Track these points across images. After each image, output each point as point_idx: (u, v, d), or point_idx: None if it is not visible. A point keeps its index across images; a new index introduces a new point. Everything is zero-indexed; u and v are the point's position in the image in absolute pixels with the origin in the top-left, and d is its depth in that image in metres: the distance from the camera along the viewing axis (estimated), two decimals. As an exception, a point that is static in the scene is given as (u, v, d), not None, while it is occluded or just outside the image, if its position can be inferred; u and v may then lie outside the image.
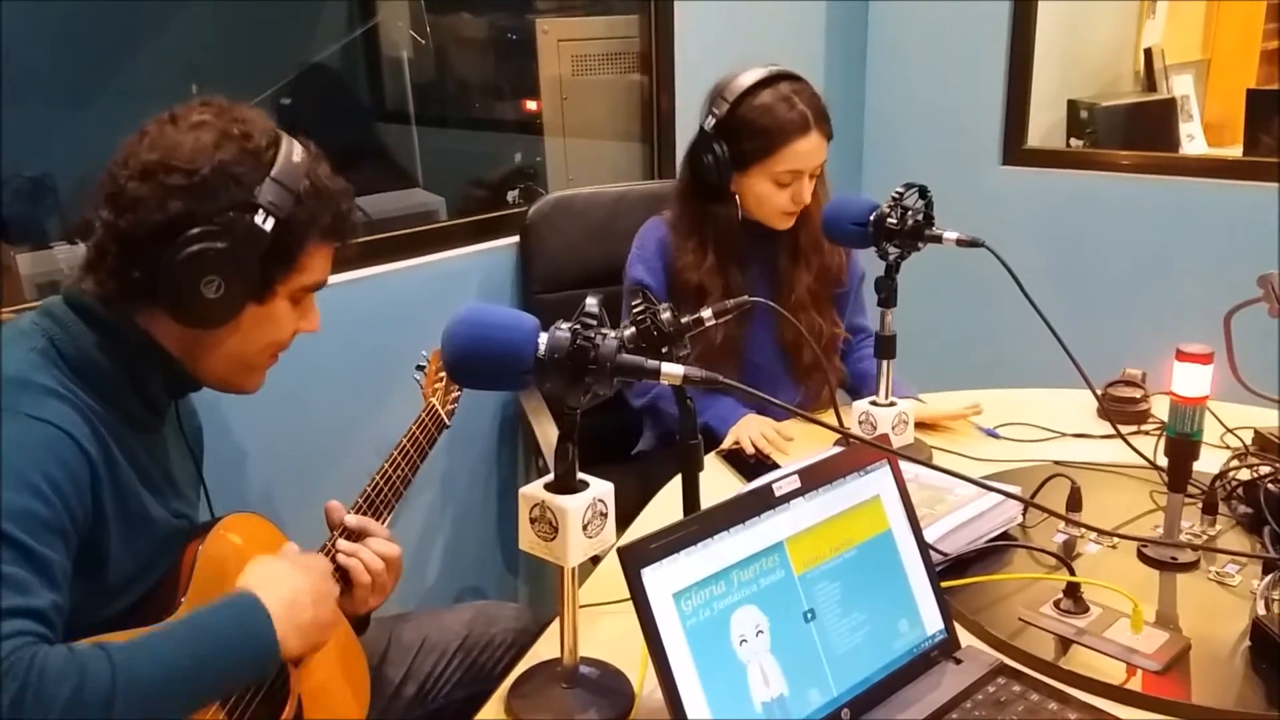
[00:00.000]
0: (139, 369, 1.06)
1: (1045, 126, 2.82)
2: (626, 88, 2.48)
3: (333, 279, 1.81)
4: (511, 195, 2.39)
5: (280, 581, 1.02)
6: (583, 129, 2.54)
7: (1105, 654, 1.04)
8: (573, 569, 0.93)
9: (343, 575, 1.20)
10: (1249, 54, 3.88)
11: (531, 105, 2.47)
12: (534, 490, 0.92)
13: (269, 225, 1.03)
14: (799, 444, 1.61)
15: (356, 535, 1.24)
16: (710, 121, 1.73)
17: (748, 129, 1.69)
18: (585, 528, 0.91)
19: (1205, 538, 1.27)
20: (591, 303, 0.89)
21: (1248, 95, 2.69)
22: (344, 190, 1.14)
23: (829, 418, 1.50)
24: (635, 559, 0.85)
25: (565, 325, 0.88)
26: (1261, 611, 1.06)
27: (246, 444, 1.69)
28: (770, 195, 1.72)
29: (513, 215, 2.17)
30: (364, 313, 1.86)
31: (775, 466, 1.52)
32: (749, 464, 1.57)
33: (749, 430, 1.65)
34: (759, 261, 1.80)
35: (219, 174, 1.02)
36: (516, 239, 2.13)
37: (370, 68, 2.36)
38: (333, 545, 1.22)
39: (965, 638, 1.08)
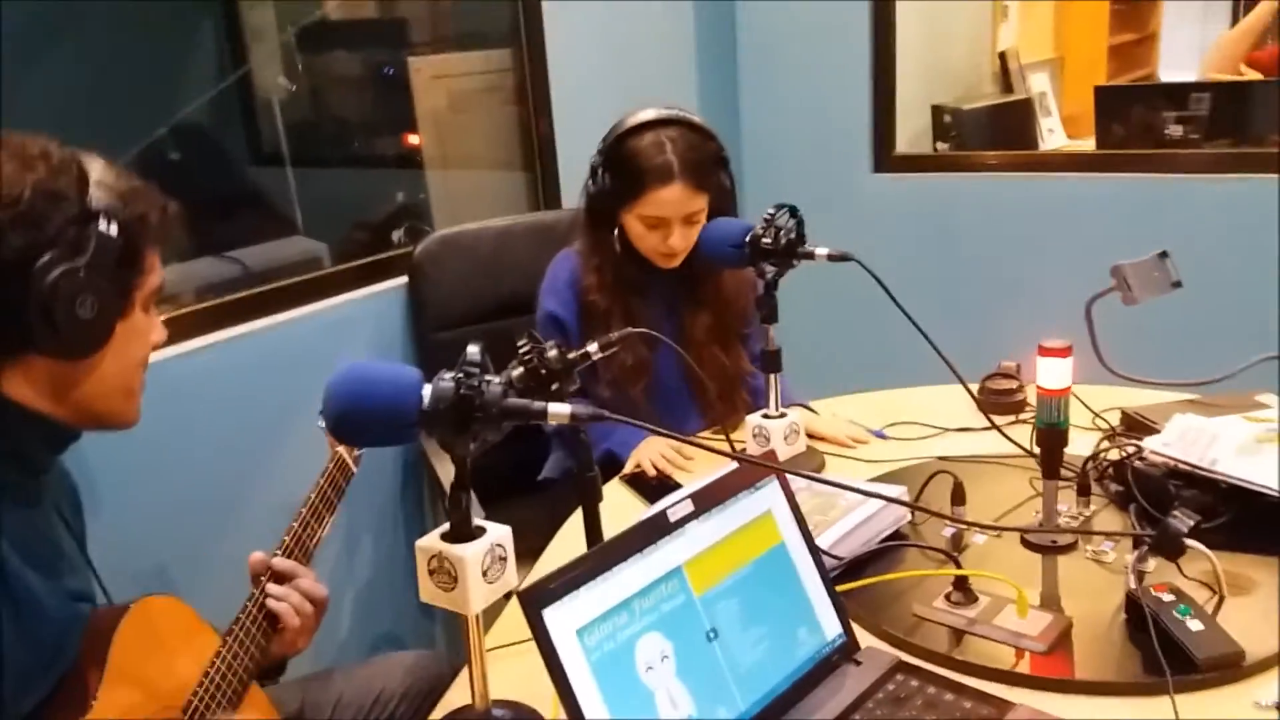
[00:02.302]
0: (7, 435, 1.01)
1: (912, 132, 2.93)
2: (506, 119, 2.50)
3: (217, 336, 1.81)
4: (397, 235, 2.38)
5: None
6: (465, 162, 2.54)
7: (995, 640, 1.09)
8: (476, 616, 0.94)
9: (271, 619, 1.19)
10: (1098, 50, 4.12)
11: (413, 140, 2.46)
12: (430, 542, 0.92)
13: (114, 230, 1.00)
14: (700, 463, 1.64)
15: (284, 579, 1.23)
16: (596, 157, 1.76)
17: (620, 168, 1.72)
18: (485, 574, 0.92)
19: (1082, 519, 1.34)
20: (473, 350, 0.90)
21: (1096, 91, 2.84)
22: (152, 187, 1.11)
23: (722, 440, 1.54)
24: (535, 600, 0.86)
25: (449, 375, 0.89)
26: (1133, 585, 1.13)
27: (135, 512, 1.63)
28: (642, 235, 1.74)
29: (399, 256, 2.16)
30: (253, 368, 1.83)
31: (678, 486, 1.55)
32: (651, 486, 1.60)
33: (649, 453, 1.67)
34: (663, 293, 1.82)
35: (40, 195, 0.97)
36: (405, 279, 2.12)
37: (245, 114, 2.32)
38: (262, 590, 1.21)
39: (866, 638, 1.12)
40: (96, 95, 1.87)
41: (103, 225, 1.00)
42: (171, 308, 1.77)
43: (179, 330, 1.72)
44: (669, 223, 1.71)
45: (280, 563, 1.23)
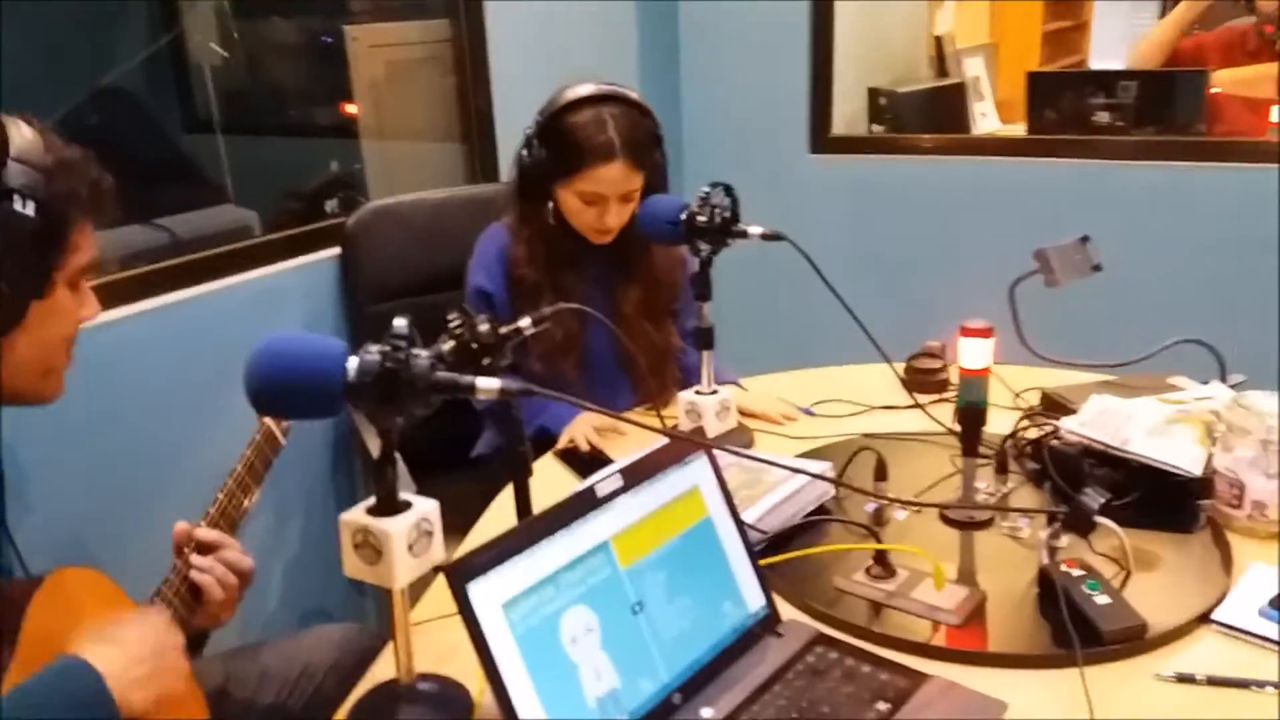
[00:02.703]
0: None
1: (849, 114, 2.96)
2: (443, 90, 2.47)
3: (144, 305, 1.77)
4: (330, 205, 2.34)
5: (113, 639, 0.98)
6: (402, 133, 2.51)
7: (912, 613, 1.13)
8: (402, 590, 0.94)
9: (194, 591, 1.17)
10: (1032, 36, 4.19)
11: (350, 109, 2.42)
12: (355, 516, 0.92)
13: (30, 209, 0.98)
14: (633, 438, 1.65)
15: (208, 549, 1.21)
16: (532, 127, 1.75)
17: (559, 142, 1.71)
18: (411, 548, 0.92)
19: (999, 496, 1.38)
20: (400, 323, 0.90)
21: (1028, 77, 2.89)
22: (88, 159, 1.08)
23: (653, 416, 1.55)
24: (461, 574, 0.87)
25: (375, 348, 0.89)
26: (1045, 560, 1.17)
27: (56, 484, 1.60)
28: (578, 211, 1.74)
29: (332, 226, 2.12)
30: (180, 339, 1.79)
31: (610, 461, 1.56)
32: (584, 461, 1.61)
33: (582, 428, 1.68)
34: (594, 267, 1.82)
35: None
36: (338, 250, 2.09)
37: (178, 80, 2.27)
38: (185, 561, 1.19)
39: (788, 611, 1.14)
40: (18, 55, 1.81)
41: (17, 204, 0.97)
42: (95, 275, 1.72)
43: (104, 299, 1.67)
44: (606, 200, 1.71)
45: (204, 533, 1.21)
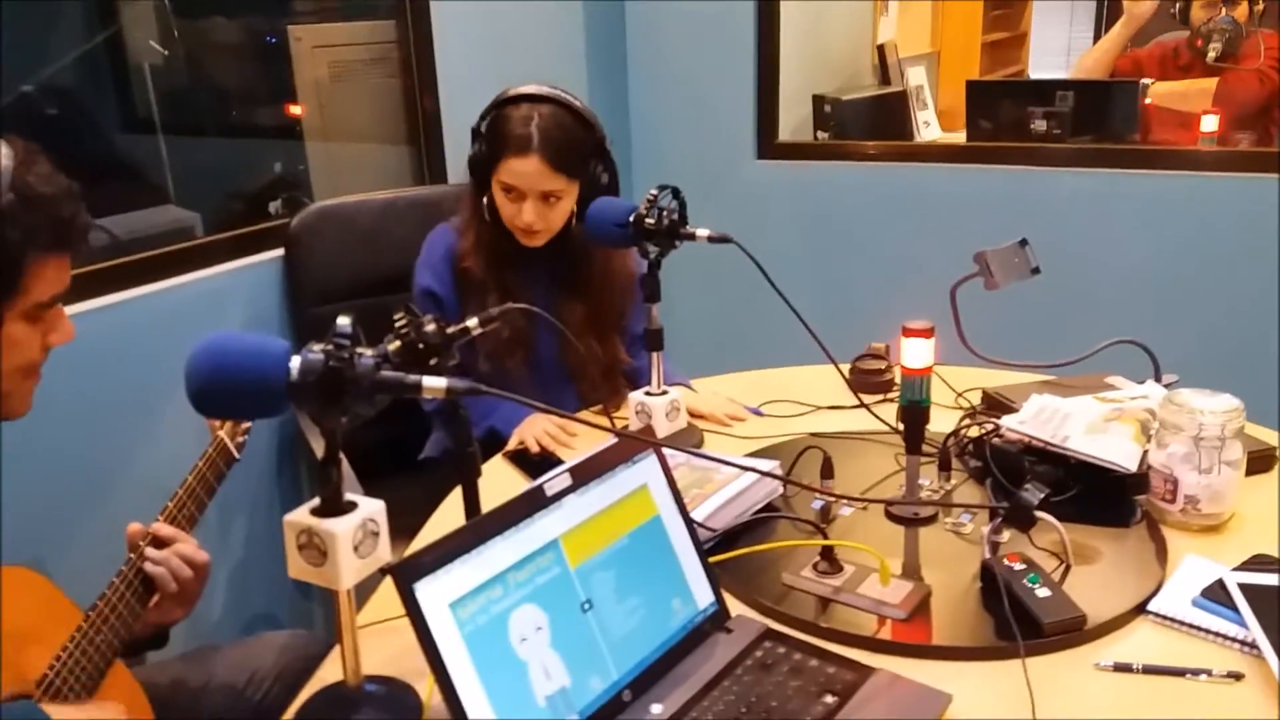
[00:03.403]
0: None
1: (795, 121, 3.00)
2: (390, 91, 2.45)
3: (81, 306, 1.73)
4: (274, 206, 2.31)
5: None
6: (347, 134, 2.48)
7: (859, 608, 1.14)
8: (348, 591, 0.93)
9: (148, 585, 1.16)
10: (972, 46, 4.28)
11: (294, 109, 2.39)
12: (299, 516, 0.91)
13: None
14: (582, 439, 1.65)
15: (164, 544, 1.19)
16: (480, 122, 1.76)
17: (489, 134, 1.73)
18: (357, 549, 0.91)
19: (942, 492, 1.41)
20: (343, 322, 0.89)
21: (967, 86, 2.95)
22: (63, 192, 1.06)
23: (603, 417, 1.56)
24: (407, 574, 0.86)
25: (318, 347, 0.88)
26: (988, 555, 1.19)
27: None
28: (502, 204, 1.75)
29: (275, 227, 2.10)
30: (121, 341, 1.76)
31: (560, 463, 1.56)
32: (534, 462, 1.60)
33: (532, 430, 1.68)
34: (541, 276, 1.82)
35: None
36: (281, 252, 2.06)
37: (116, 79, 2.22)
38: (140, 554, 1.17)
39: (737, 607, 1.15)
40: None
41: None
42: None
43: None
44: (524, 196, 1.71)
45: (161, 527, 1.21)
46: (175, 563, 1.18)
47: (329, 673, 1.06)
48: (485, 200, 1.77)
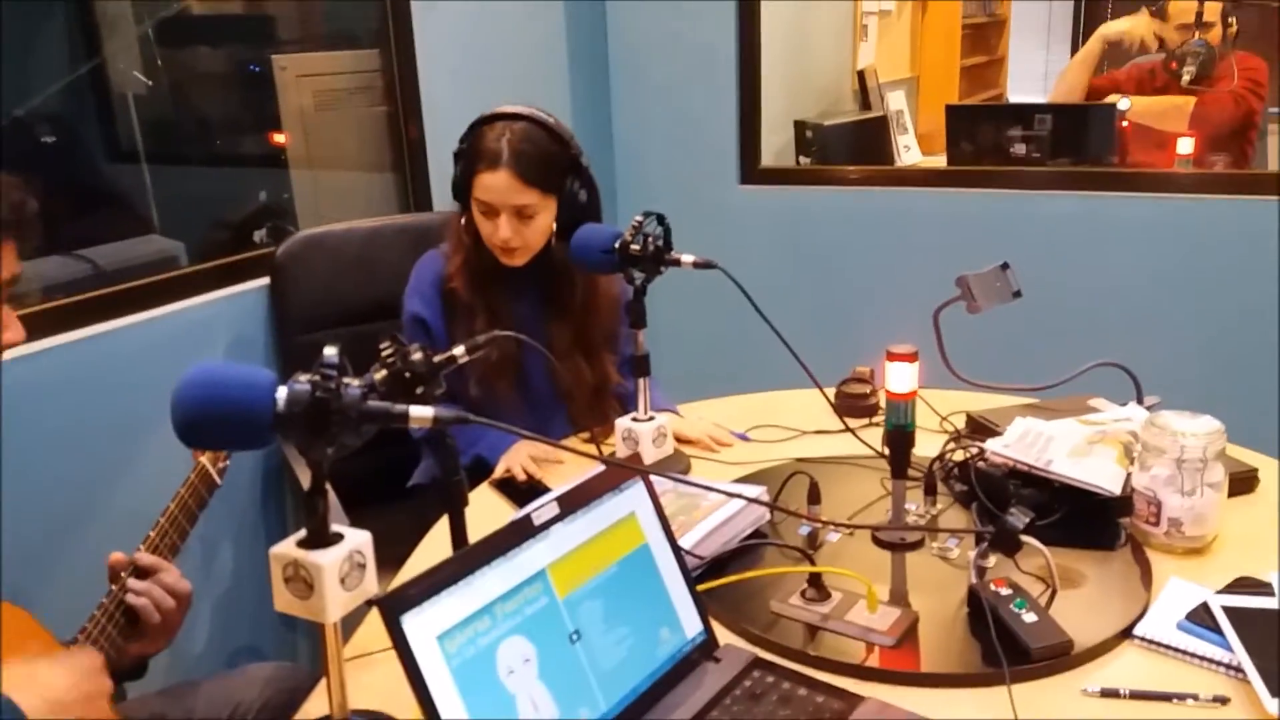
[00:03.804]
0: None
1: (777, 146, 3.02)
2: (374, 119, 2.46)
3: (67, 337, 1.72)
4: (259, 235, 2.31)
5: (41, 682, 0.95)
6: (332, 162, 2.49)
7: (847, 635, 1.14)
8: (335, 624, 0.93)
9: (130, 616, 1.14)
10: (951, 70, 4.33)
11: (279, 138, 2.40)
12: (285, 549, 0.91)
13: None
14: (569, 466, 1.65)
15: (145, 574, 1.18)
16: (457, 145, 1.78)
17: (466, 152, 1.75)
18: (343, 581, 0.91)
19: (928, 517, 1.41)
20: (330, 352, 0.89)
21: (946, 110, 2.99)
22: (10, 181, 1.07)
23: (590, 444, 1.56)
24: (394, 607, 0.86)
25: (305, 377, 0.87)
26: (974, 580, 1.19)
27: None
28: (480, 222, 1.76)
29: (260, 256, 2.10)
30: (106, 371, 1.75)
31: (547, 491, 1.56)
32: (521, 490, 1.60)
33: (519, 458, 1.68)
34: (528, 298, 1.82)
35: None
36: (267, 281, 2.06)
37: (100, 109, 2.22)
38: (122, 585, 1.16)
39: (725, 636, 1.15)
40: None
41: None
42: (16, 308, 1.68)
43: (25, 331, 1.63)
44: (496, 211, 1.72)
45: (143, 557, 1.19)
46: (158, 593, 1.18)
47: (315, 706, 1.05)
48: (464, 221, 1.78)
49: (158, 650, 1.22)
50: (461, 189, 1.77)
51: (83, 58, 2.15)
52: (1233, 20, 2.91)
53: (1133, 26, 3.06)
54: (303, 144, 2.42)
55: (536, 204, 1.72)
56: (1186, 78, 2.89)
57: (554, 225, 1.76)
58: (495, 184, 1.70)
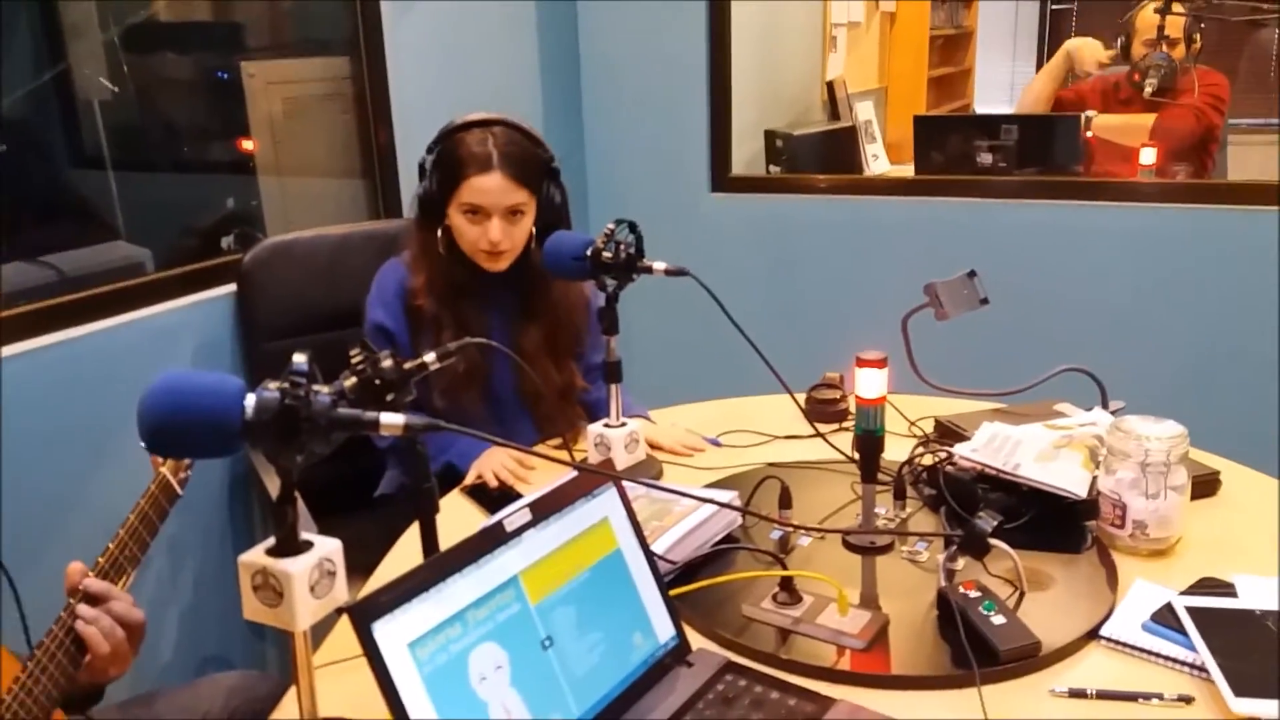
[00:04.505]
0: None
1: (748, 155, 3.04)
2: (344, 126, 2.45)
3: (30, 344, 1.70)
4: (226, 241, 2.29)
5: None
6: (301, 169, 2.47)
7: (818, 639, 1.15)
8: (304, 632, 0.92)
9: (80, 644, 1.12)
10: (918, 82, 4.37)
11: (247, 145, 2.38)
12: (254, 557, 0.90)
13: None
14: (541, 472, 1.65)
15: (97, 601, 1.16)
16: (426, 157, 1.76)
17: (443, 162, 1.74)
18: (313, 589, 0.90)
19: (898, 520, 1.42)
20: (299, 359, 0.88)
21: (915, 121, 3.02)
22: None
23: (562, 450, 1.55)
24: (365, 614, 0.85)
25: (274, 385, 0.87)
26: (944, 583, 1.20)
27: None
28: (464, 229, 1.75)
29: (228, 263, 2.08)
30: (70, 378, 1.72)
31: (519, 497, 1.55)
32: (493, 497, 1.59)
33: (491, 464, 1.67)
34: (495, 303, 1.82)
35: None
36: (234, 287, 2.04)
37: (65, 114, 2.19)
38: (70, 612, 1.14)
39: (698, 640, 1.15)
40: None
41: None
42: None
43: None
44: (488, 213, 1.72)
45: (93, 583, 1.16)
46: (106, 623, 1.14)
47: (285, 715, 1.04)
48: (440, 235, 1.77)
49: (111, 679, 1.19)
50: (438, 201, 1.75)
51: (48, 63, 2.13)
52: (1196, 36, 2.96)
53: (1083, 47, 3.14)
54: (271, 150, 2.40)
55: (525, 203, 1.74)
56: (1149, 90, 2.94)
57: (533, 227, 1.76)
58: (489, 186, 1.70)
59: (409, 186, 2.39)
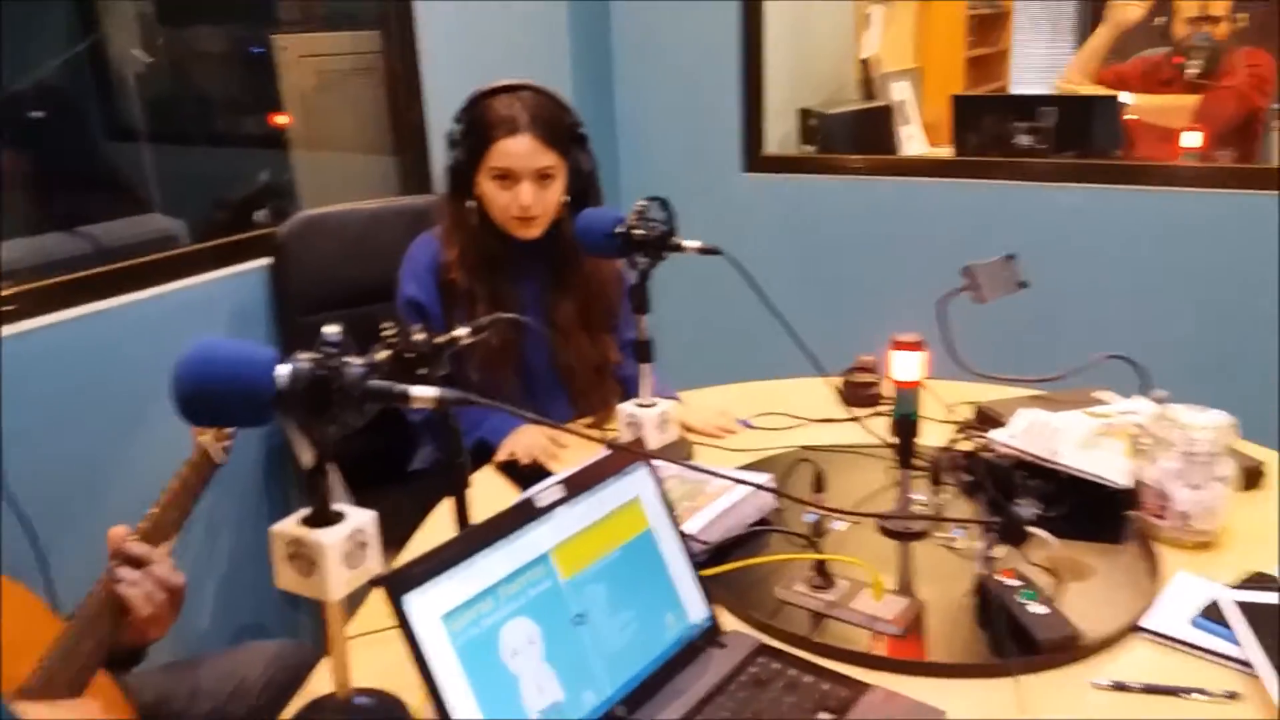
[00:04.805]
0: None
1: (781, 134, 3.00)
2: (376, 101, 2.44)
3: (65, 314, 1.71)
4: (260, 214, 2.30)
5: None
6: (333, 143, 2.47)
7: (852, 624, 1.13)
8: (337, 602, 0.92)
9: (121, 605, 1.13)
10: (955, 61, 4.31)
11: (280, 119, 2.38)
12: (287, 527, 0.89)
13: None
14: (573, 450, 1.64)
15: (138, 563, 1.17)
16: (454, 127, 1.76)
17: (472, 127, 1.73)
18: (346, 559, 0.90)
19: (935, 507, 1.40)
20: (332, 330, 0.87)
21: (953, 100, 2.96)
22: None
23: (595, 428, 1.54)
24: (398, 585, 0.85)
25: (306, 355, 0.86)
26: (981, 570, 1.18)
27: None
28: (494, 195, 1.74)
29: (262, 236, 2.08)
30: (105, 349, 1.74)
31: (549, 474, 1.55)
32: (524, 474, 1.59)
33: (523, 441, 1.66)
34: (529, 277, 1.81)
35: None
36: (269, 260, 2.05)
37: (100, 87, 2.20)
38: (112, 574, 1.14)
39: (730, 622, 1.14)
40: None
41: None
42: (12, 284, 1.66)
43: (23, 308, 1.62)
44: (519, 177, 1.71)
45: (135, 546, 1.17)
46: (149, 585, 1.15)
47: (318, 684, 1.04)
48: (472, 206, 1.76)
49: (152, 641, 1.20)
50: (468, 168, 1.75)
51: (81, 35, 2.13)
52: (1240, 15, 2.89)
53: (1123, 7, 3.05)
54: (304, 124, 2.40)
55: (556, 166, 1.73)
56: (1191, 72, 2.87)
57: (565, 195, 1.75)
58: (518, 149, 1.69)
59: (439, 162, 2.39)
